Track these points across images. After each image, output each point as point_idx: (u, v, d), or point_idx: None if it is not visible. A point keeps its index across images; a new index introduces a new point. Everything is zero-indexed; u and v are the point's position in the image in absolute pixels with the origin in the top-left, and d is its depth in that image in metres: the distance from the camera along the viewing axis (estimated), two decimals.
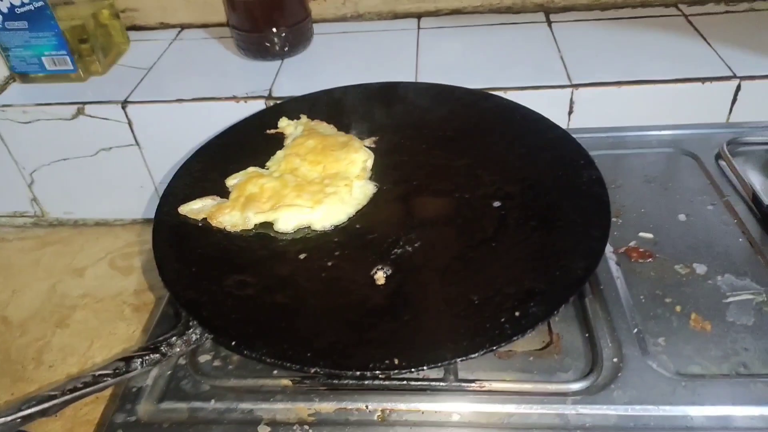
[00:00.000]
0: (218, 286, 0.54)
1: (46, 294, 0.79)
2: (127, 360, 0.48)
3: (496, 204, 0.60)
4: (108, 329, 0.72)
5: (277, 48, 0.84)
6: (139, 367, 0.48)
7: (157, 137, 0.81)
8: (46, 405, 0.44)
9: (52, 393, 0.45)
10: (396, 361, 0.46)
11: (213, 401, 0.50)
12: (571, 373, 0.50)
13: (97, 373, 0.47)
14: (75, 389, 0.45)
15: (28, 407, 0.43)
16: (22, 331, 0.73)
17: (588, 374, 0.50)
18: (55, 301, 0.77)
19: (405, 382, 0.50)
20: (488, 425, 0.47)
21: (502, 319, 0.48)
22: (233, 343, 0.49)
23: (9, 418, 0.42)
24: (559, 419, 0.47)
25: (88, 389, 0.46)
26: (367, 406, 0.49)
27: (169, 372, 0.53)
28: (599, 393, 0.48)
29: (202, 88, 0.80)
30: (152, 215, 0.62)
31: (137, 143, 0.82)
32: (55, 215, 0.92)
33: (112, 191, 0.87)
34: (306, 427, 0.48)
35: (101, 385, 0.46)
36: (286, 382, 0.51)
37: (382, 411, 0.48)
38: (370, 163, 0.66)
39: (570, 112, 0.77)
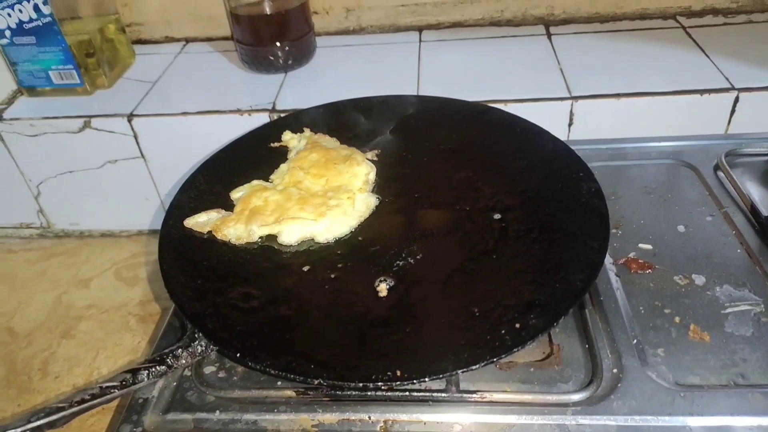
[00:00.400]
0: (223, 298, 0.55)
1: (52, 305, 0.79)
2: (134, 372, 0.49)
3: (497, 216, 0.61)
4: (113, 340, 0.73)
5: (281, 61, 0.85)
6: (146, 379, 0.49)
7: (162, 150, 0.82)
8: (54, 417, 0.44)
9: (60, 405, 0.45)
10: (398, 373, 0.46)
11: (218, 412, 0.51)
12: (572, 384, 0.51)
13: (104, 384, 0.47)
14: (83, 401, 0.46)
15: (37, 419, 0.44)
16: (28, 342, 0.74)
17: (588, 385, 0.50)
18: (60, 311, 0.78)
19: (407, 393, 0.51)
20: None
21: (503, 331, 0.49)
22: (238, 354, 0.50)
23: (18, 430, 0.43)
24: (559, 430, 0.47)
25: (95, 401, 0.46)
26: (369, 417, 0.49)
27: (174, 383, 0.54)
28: (599, 404, 0.48)
29: (206, 101, 0.81)
30: (157, 226, 0.63)
31: (143, 156, 0.83)
32: (61, 227, 0.93)
33: (118, 203, 0.88)
34: None
35: (108, 396, 0.47)
36: (289, 393, 0.52)
37: (385, 422, 0.49)
38: (372, 176, 0.67)
39: (570, 124, 0.78)
